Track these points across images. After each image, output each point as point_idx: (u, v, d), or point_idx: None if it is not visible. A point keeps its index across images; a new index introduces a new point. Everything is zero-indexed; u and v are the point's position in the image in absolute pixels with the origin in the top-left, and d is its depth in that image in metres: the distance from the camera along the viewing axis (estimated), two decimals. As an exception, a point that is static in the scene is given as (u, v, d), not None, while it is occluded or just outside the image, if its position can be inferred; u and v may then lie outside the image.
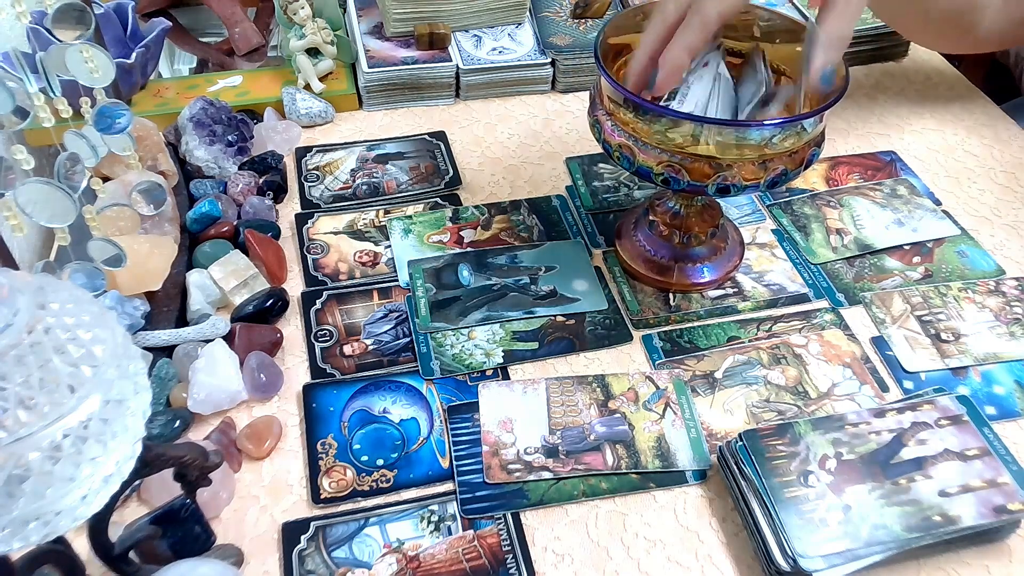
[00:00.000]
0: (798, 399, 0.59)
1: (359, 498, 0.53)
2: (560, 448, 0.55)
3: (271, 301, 0.63)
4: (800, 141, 0.55)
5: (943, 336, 0.63)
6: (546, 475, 0.54)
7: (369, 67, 0.83)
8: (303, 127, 0.81)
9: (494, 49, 0.86)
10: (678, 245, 0.65)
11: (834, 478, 0.50)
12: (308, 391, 0.59)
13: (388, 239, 0.70)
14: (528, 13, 0.90)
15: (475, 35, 0.88)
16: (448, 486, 0.54)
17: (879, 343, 0.63)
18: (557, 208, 0.74)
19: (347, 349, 0.62)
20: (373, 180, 0.76)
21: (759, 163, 0.54)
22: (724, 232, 0.68)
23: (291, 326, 0.63)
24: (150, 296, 0.62)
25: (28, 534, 0.33)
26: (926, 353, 0.62)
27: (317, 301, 0.65)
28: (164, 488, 0.50)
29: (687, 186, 0.56)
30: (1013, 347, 0.62)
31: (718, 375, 0.60)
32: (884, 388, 0.60)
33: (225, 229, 0.67)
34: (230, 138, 0.74)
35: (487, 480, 0.53)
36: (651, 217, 0.66)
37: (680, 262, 0.66)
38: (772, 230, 0.72)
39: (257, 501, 0.53)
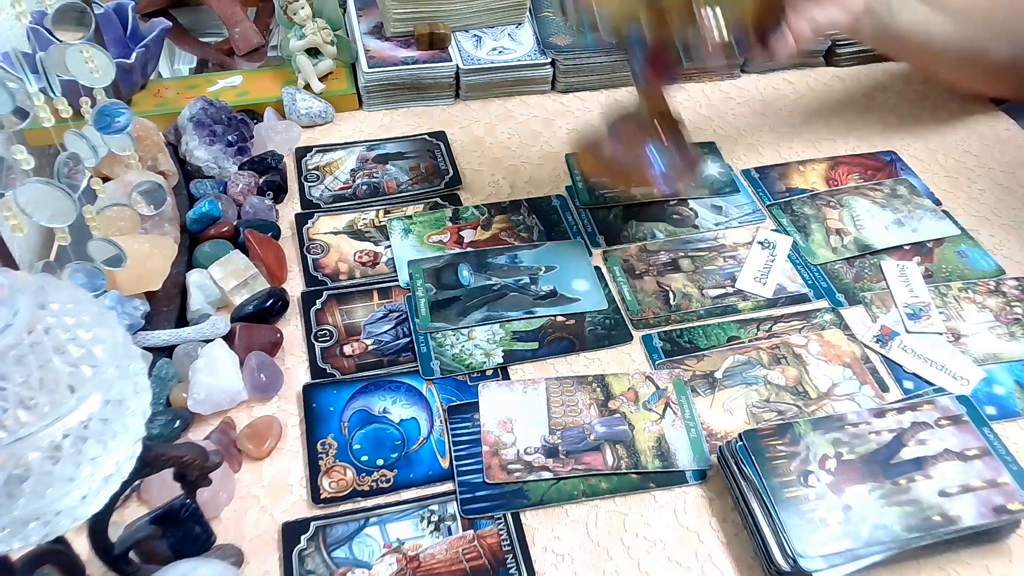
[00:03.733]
0: (798, 399, 0.59)
1: (359, 498, 0.53)
2: (560, 448, 0.55)
3: (271, 301, 0.63)
4: None
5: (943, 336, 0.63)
6: (546, 475, 0.54)
7: (369, 67, 0.83)
8: (303, 127, 0.81)
9: (494, 49, 0.86)
10: (640, 146, 0.64)
11: (834, 478, 0.50)
12: (308, 391, 0.59)
13: (388, 239, 0.70)
14: (528, 13, 0.90)
15: (475, 35, 0.88)
16: (448, 486, 0.54)
17: (880, 342, 0.63)
18: (557, 208, 0.74)
19: (347, 349, 0.62)
20: (373, 180, 0.76)
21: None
22: (683, 141, 0.65)
23: (291, 326, 0.63)
24: (150, 296, 0.62)
25: (28, 534, 0.33)
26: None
27: (317, 301, 0.65)
28: (164, 488, 0.50)
29: (647, 43, 0.54)
30: (1013, 347, 0.62)
31: (718, 375, 0.60)
32: (884, 388, 0.60)
33: (225, 229, 0.67)
34: (230, 138, 0.74)
35: (487, 480, 0.53)
36: (614, 123, 0.65)
37: (640, 167, 0.64)
38: (772, 230, 0.72)
39: (257, 501, 0.53)
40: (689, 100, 0.88)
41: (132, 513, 0.50)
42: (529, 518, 0.52)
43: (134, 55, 0.77)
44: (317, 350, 0.61)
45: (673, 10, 0.52)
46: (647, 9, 0.52)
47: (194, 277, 0.63)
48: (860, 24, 0.72)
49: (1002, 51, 0.78)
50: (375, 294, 0.66)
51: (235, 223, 0.68)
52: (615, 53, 0.58)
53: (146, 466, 0.42)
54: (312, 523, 0.52)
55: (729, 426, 0.57)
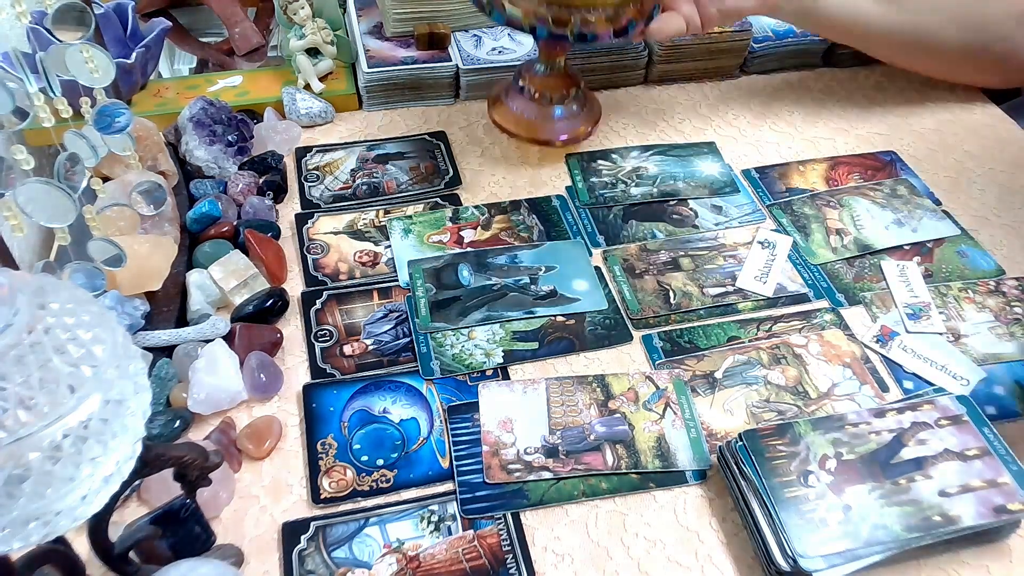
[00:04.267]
0: (798, 399, 0.59)
1: (359, 498, 0.53)
2: (560, 448, 0.55)
3: (271, 301, 0.63)
4: None
5: (943, 336, 0.63)
6: (546, 475, 0.54)
7: (369, 67, 0.83)
8: (303, 127, 0.81)
9: (494, 49, 0.86)
10: (544, 103, 0.76)
11: (834, 478, 0.50)
12: (308, 391, 0.59)
13: (388, 239, 0.70)
14: (528, 13, 0.90)
15: (475, 35, 0.88)
16: (448, 486, 0.54)
17: (880, 342, 0.63)
18: (557, 208, 0.74)
19: (347, 349, 0.62)
20: (373, 180, 0.76)
21: (609, 17, 0.65)
22: (583, 98, 0.78)
23: (291, 326, 0.63)
24: (150, 296, 0.62)
25: (28, 534, 0.33)
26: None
27: (317, 301, 0.65)
28: (164, 488, 0.50)
29: (550, 35, 0.66)
30: (1013, 347, 0.62)
31: (718, 375, 0.60)
32: (884, 388, 0.60)
33: (225, 229, 0.67)
34: (230, 138, 0.74)
35: (487, 480, 0.53)
36: (521, 83, 0.76)
37: (546, 121, 0.76)
38: (772, 230, 0.72)
39: (257, 501, 0.53)
40: (689, 100, 0.88)
41: (132, 513, 0.50)
42: (529, 518, 0.52)
43: (134, 55, 0.77)
44: (317, 350, 0.61)
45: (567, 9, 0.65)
46: (548, 9, 0.64)
47: (194, 277, 0.63)
48: (776, 6, 0.74)
49: (952, 36, 0.78)
50: (375, 294, 0.66)
51: (235, 223, 0.68)
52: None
53: (146, 466, 0.42)
54: (312, 523, 0.52)
55: (729, 426, 0.57)
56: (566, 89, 0.76)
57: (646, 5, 0.67)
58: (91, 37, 0.57)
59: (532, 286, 0.66)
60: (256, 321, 0.62)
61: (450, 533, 0.51)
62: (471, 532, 0.51)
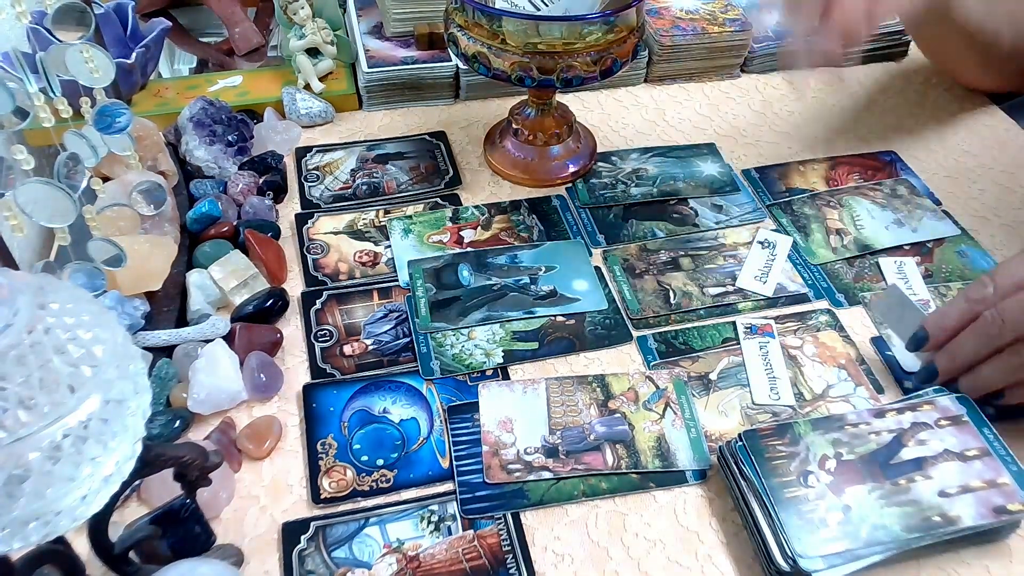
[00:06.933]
0: (793, 401, 0.59)
1: (359, 498, 0.53)
2: (560, 448, 0.55)
3: (271, 301, 0.63)
4: (614, 36, 0.65)
5: (943, 336, 0.63)
6: (546, 475, 0.54)
7: (369, 67, 0.83)
8: (303, 127, 0.81)
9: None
10: (539, 144, 0.76)
11: (834, 478, 0.50)
12: (308, 391, 0.59)
13: (388, 239, 0.70)
14: (528, 13, 0.90)
15: (475, 35, 0.88)
16: (448, 486, 0.54)
17: (879, 343, 0.63)
18: (557, 208, 0.74)
19: (347, 349, 0.62)
20: (373, 180, 0.76)
21: (594, 60, 0.65)
22: (578, 135, 0.78)
23: (291, 326, 0.63)
24: (150, 296, 0.62)
25: (28, 534, 0.33)
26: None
27: (317, 301, 0.65)
28: (164, 488, 0.50)
29: (538, 83, 0.66)
30: (1013, 347, 0.62)
31: (712, 376, 0.60)
32: (879, 390, 0.60)
33: (225, 229, 0.67)
34: (230, 138, 0.74)
35: (487, 480, 0.53)
36: (514, 126, 0.77)
37: (543, 162, 0.76)
38: (772, 230, 0.72)
39: (257, 501, 0.53)
40: (689, 99, 0.88)
41: (132, 513, 0.50)
42: (529, 518, 0.52)
43: (134, 55, 0.77)
44: (317, 350, 0.61)
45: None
46: (532, 59, 0.65)
47: (194, 277, 0.63)
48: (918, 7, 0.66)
49: (1006, 36, 0.76)
50: (375, 294, 0.66)
51: (235, 223, 0.69)
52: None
53: (146, 466, 0.42)
54: (312, 523, 0.52)
55: (723, 427, 0.57)
56: (559, 128, 0.76)
57: (630, 44, 0.67)
58: (91, 37, 0.57)
59: (532, 286, 0.66)
60: (256, 321, 0.62)
61: (450, 533, 0.51)
62: (471, 532, 0.51)
